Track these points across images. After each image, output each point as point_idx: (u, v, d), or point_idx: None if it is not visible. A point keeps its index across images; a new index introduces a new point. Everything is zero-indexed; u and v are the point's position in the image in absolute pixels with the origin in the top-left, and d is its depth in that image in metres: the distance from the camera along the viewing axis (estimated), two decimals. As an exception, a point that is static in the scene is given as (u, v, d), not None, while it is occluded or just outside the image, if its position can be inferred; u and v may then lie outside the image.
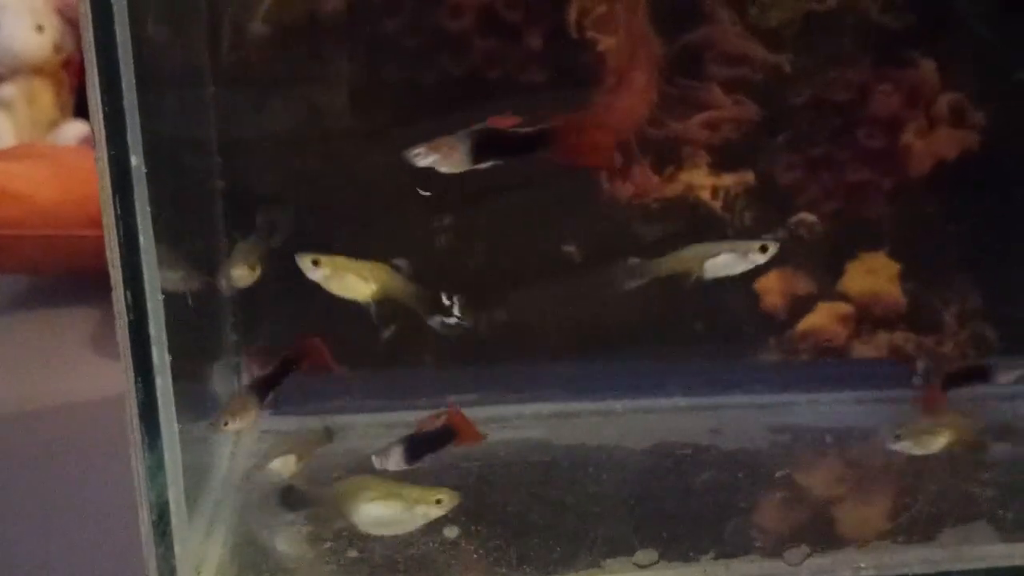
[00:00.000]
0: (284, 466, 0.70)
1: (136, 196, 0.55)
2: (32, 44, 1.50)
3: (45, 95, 1.53)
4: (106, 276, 0.56)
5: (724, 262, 0.67)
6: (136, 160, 0.54)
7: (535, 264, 0.83)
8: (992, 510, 0.69)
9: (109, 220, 0.55)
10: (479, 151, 0.62)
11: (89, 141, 1.44)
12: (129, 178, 0.54)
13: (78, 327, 1.09)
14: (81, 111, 1.54)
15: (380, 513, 0.63)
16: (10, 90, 1.50)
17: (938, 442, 0.68)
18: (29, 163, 1.19)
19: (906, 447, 0.68)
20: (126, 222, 0.55)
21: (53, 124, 1.54)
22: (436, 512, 0.63)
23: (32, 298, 1.20)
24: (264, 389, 0.70)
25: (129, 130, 0.54)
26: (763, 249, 0.67)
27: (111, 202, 0.55)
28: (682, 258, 0.68)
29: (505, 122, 0.62)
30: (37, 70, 1.52)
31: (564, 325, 0.84)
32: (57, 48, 1.53)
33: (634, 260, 0.71)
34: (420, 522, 0.63)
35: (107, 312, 0.57)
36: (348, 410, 0.82)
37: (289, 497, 0.70)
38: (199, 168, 0.75)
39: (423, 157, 0.62)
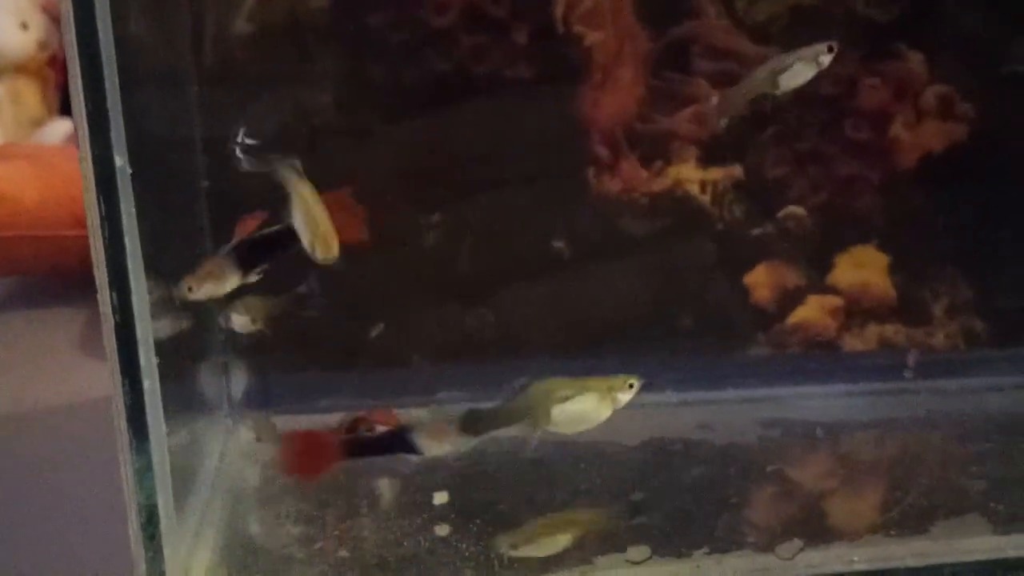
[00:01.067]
0: (244, 324, 0.71)
1: (121, 197, 0.54)
2: (16, 42, 1.49)
3: (30, 93, 1.52)
4: (92, 276, 0.55)
5: (798, 71, 0.66)
6: (120, 160, 0.54)
7: (524, 260, 0.83)
8: (983, 503, 0.69)
9: (94, 221, 0.54)
10: (244, 262, 0.62)
11: (75, 139, 1.44)
12: (114, 179, 0.54)
13: (64, 328, 1.08)
14: (67, 109, 1.53)
15: (579, 408, 0.62)
16: (-6, 88, 1.49)
17: (559, 542, 0.65)
18: (14, 164, 1.18)
19: (527, 552, 0.65)
20: (111, 223, 0.54)
21: (38, 122, 1.53)
22: (628, 397, 0.62)
23: (18, 299, 1.19)
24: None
25: (113, 130, 0.54)
26: (830, 49, 0.65)
27: (96, 203, 0.54)
28: (756, 81, 0.67)
29: (252, 222, 0.63)
30: (22, 68, 1.51)
31: (553, 321, 0.83)
32: (42, 46, 1.52)
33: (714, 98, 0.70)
34: (611, 411, 0.62)
35: (93, 312, 0.56)
36: (338, 409, 0.81)
37: (471, 421, 0.64)
38: (184, 168, 0.75)
39: (197, 291, 0.62)
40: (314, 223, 0.61)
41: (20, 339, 1.09)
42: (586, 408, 0.62)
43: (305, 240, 0.60)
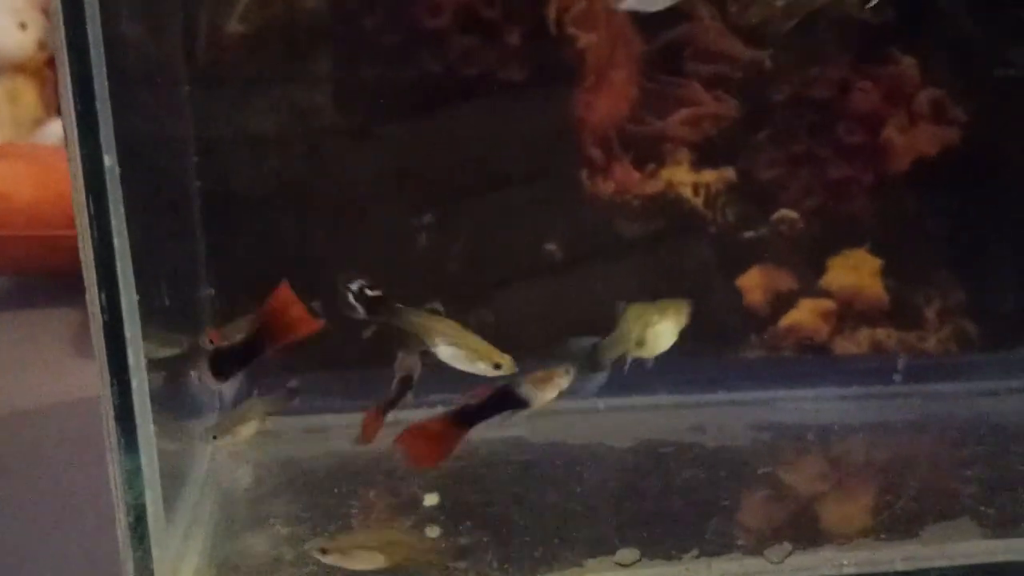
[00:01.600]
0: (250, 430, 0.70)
1: (110, 197, 0.54)
2: (15, 42, 1.48)
3: (28, 93, 1.51)
4: (85, 276, 0.55)
5: None
6: (109, 160, 0.54)
7: (516, 262, 0.82)
8: (974, 507, 0.69)
9: (83, 221, 0.54)
10: (221, 371, 0.64)
11: (70, 140, 1.44)
12: (103, 178, 0.54)
13: (58, 327, 1.08)
14: (65, 110, 1.53)
15: (665, 330, 0.65)
16: (-7, 88, 1.49)
17: (374, 559, 0.63)
18: (8, 162, 1.18)
19: (335, 560, 0.62)
20: (100, 223, 0.54)
21: (37, 122, 1.53)
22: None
23: (11, 298, 1.19)
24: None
25: (102, 130, 0.54)
26: None
27: (85, 203, 0.54)
28: None
29: (215, 335, 0.65)
30: (20, 68, 1.51)
31: (545, 322, 0.83)
32: (41, 46, 1.51)
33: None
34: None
35: (87, 312, 0.56)
36: (330, 410, 0.81)
37: (595, 359, 0.66)
38: (176, 168, 0.75)
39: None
40: (476, 351, 0.63)
41: (13, 339, 1.09)
42: (668, 330, 0.64)
43: (477, 368, 0.63)
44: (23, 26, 1.48)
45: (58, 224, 1.12)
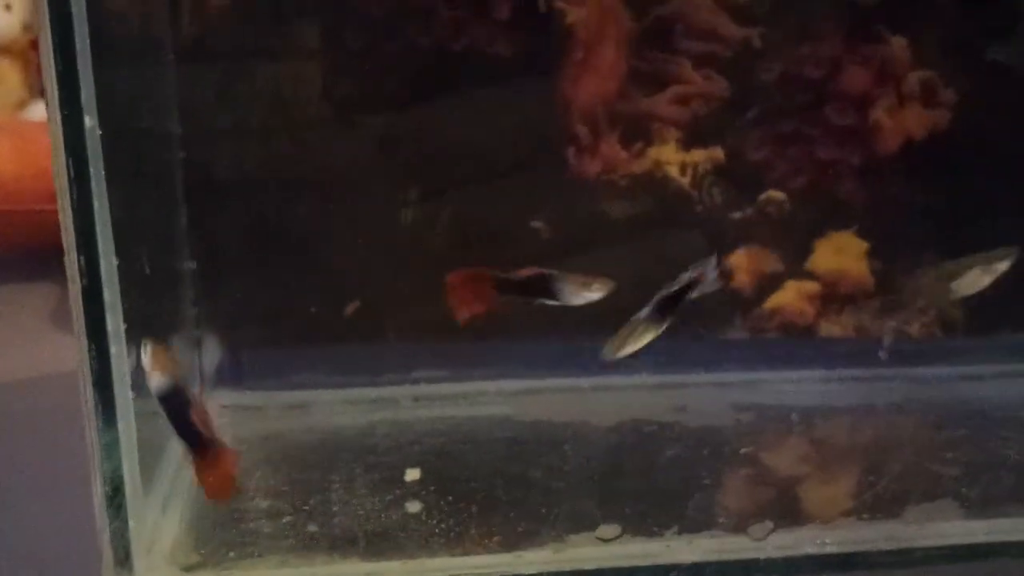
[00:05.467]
0: None
1: (90, 158, 0.54)
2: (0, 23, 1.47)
3: (12, 75, 1.50)
4: (67, 252, 0.55)
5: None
6: (90, 121, 0.53)
7: (502, 240, 0.82)
8: (956, 488, 0.69)
9: (62, 182, 0.53)
10: None
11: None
12: (83, 139, 0.53)
13: (37, 303, 1.07)
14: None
15: None
16: (-24, 69, 1.48)
17: None
18: (-11, 137, 1.17)
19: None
20: (80, 184, 0.53)
21: (21, 104, 1.52)
22: None
23: (-8, 273, 1.18)
24: None
25: (83, 90, 0.53)
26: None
27: (65, 164, 0.53)
28: None
29: None
30: (5, 50, 1.50)
31: (529, 302, 0.83)
32: (25, 28, 1.50)
33: None
34: None
35: (67, 288, 0.55)
36: (312, 386, 0.81)
37: None
38: (160, 139, 0.74)
39: None
40: None
41: (-7, 313, 1.08)
42: None
43: None
44: (8, 7, 1.47)
45: (41, 199, 1.11)
